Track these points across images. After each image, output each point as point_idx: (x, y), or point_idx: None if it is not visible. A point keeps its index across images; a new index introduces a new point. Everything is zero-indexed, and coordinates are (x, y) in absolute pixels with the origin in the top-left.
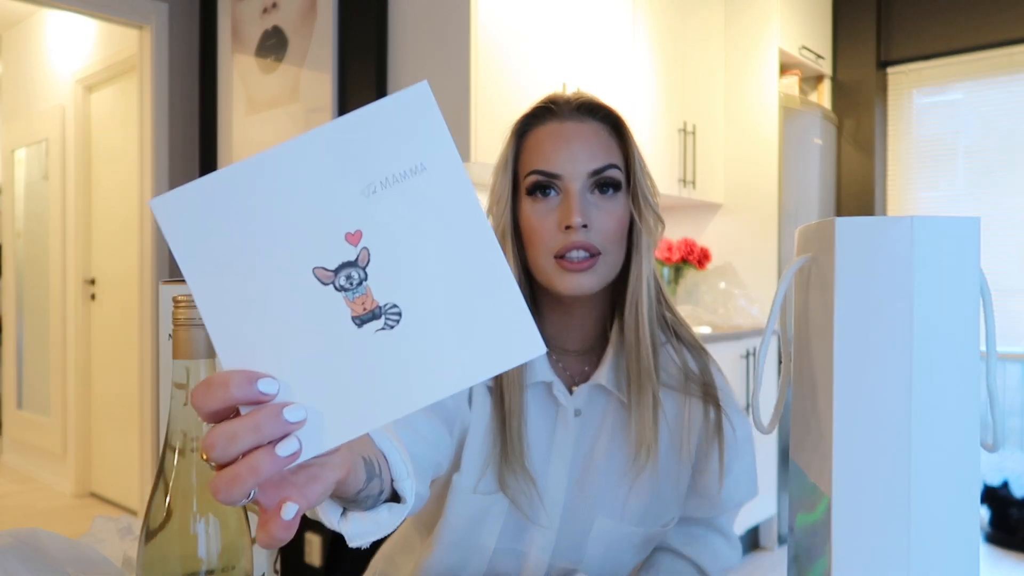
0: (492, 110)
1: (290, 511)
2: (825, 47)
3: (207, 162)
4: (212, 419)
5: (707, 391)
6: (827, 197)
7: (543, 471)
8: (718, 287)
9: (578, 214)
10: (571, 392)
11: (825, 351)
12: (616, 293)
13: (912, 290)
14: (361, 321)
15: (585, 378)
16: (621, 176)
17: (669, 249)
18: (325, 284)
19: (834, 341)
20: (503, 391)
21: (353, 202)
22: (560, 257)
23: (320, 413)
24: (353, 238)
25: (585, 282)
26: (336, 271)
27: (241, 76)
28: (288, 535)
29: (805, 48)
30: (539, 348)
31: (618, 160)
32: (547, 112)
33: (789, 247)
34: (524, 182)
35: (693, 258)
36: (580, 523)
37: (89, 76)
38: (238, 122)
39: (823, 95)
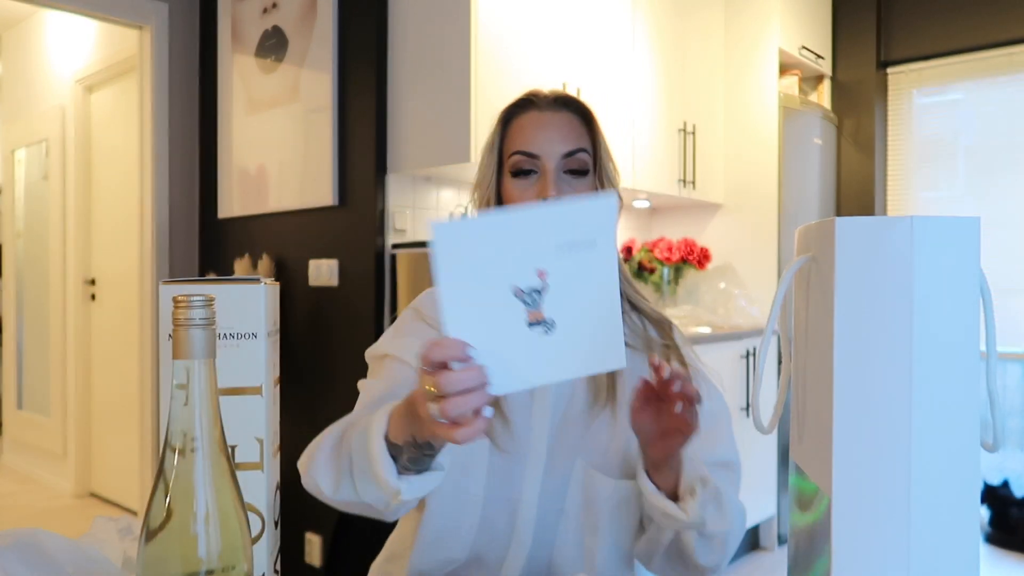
0: (492, 110)
1: (489, 411)
2: (825, 47)
3: (207, 162)
4: (432, 366)
5: (670, 352)
6: (827, 197)
7: (525, 414)
8: (718, 287)
9: (553, 188)
10: None
11: (825, 351)
12: None
13: (912, 290)
14: (531, 325)
15: None
16: (589, 160)
17: (669, 249)
18: (516, 298)
19: (834, 341)
20: None
21: (550, 252)
22: None
23: (500, 371)
24: (542, 273)
25: None
26: (526, 291)
27: (241, 76)
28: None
29: (805, 48)
30: (622, 364)
31: (587, 146)
32: (528, 103)
33: (789, 247)
34: (508, 161)
35: (693, 258)
36: (563, 466)
37: (89, 76)
38: (238, 122)
39: (823, 95)
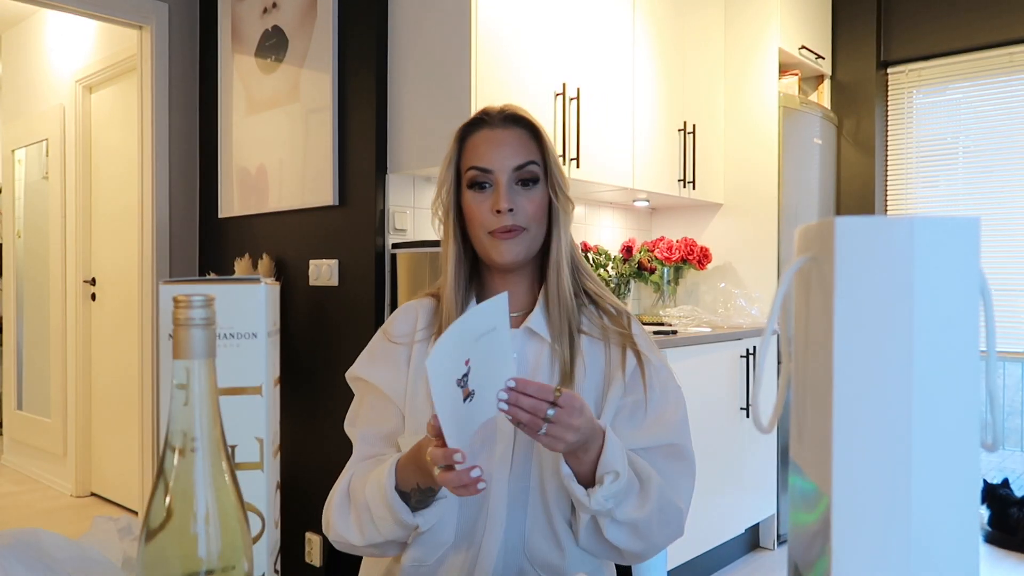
0: None
1: (477, 471)
2: (825, 47)
3: (207, 162)
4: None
5: (625, 340)
6: (827, 197)
7: (492, 401)
8: (718, 287)
9: (505, 200)
10: None
11: (825, 351)
12: (542, 266)
13: (912, 290)
14: (464, 399)
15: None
16: (540, 170)
17: (669, 249)
18: (456, 384)
19: (834, 341)
20: None
21: (472, 344)
22: (492, 233)
23: (457, 434)
24: (468, 362)
25: (514, 249)
26: (461, 377)
27: (241, 76)
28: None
29: (805, 48)
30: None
31: (536, 158)
32: (481, 122)
33: (789, 247)
34: (465, 176)
35: (693, 258)
36: (526, 444)
37: (89, 76)
38: (238, 122)
39: (823, 95)
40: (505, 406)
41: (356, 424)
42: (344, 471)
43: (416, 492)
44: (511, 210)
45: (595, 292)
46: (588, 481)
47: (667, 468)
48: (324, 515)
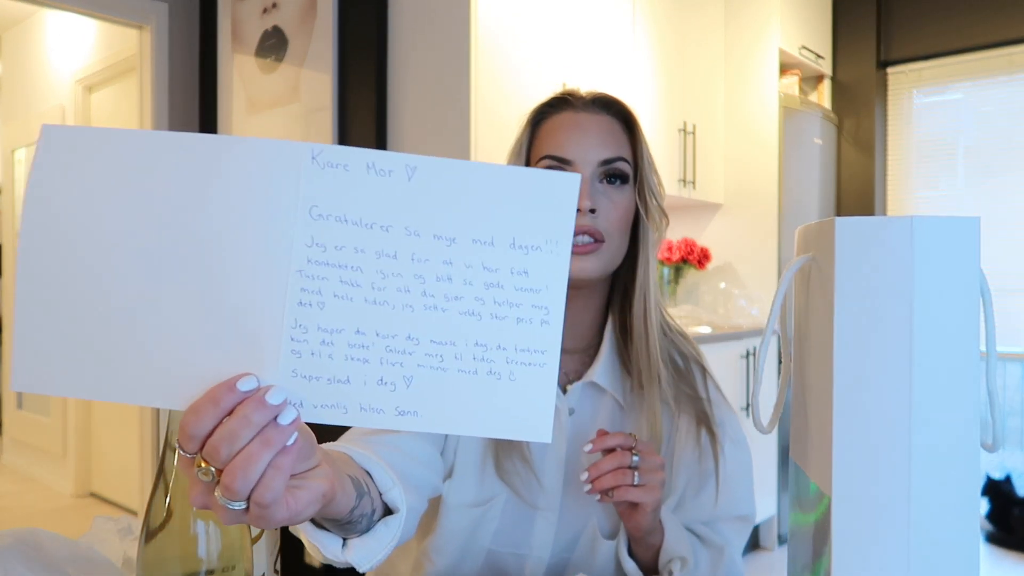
0: (492, 110)
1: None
2: (825, 47)
3: None
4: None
5: (700, 412)
6: (827, 197)
7: (540, 470)
8: (718, 287)
9: (587, 198)
10: (565, 391)
11: (825, 351)
12: (614, 290)
13: (912, 290)
14: None
15: (579, 377)
16: (629, 169)
17: (669, 249)
18: None
19: (834, 341)
20: None
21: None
22: None
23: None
24: None
25: (588, 266)
26: None
27: (241, 76)
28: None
29: (805, 48)
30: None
31: (627, 154)
32: (563, 103)
33: (789, 247)
34: (536, 167)
35: (693, 258)
36: (575, 524)
37: (89, 76)
38: (238, 122)
39: (823, 95)
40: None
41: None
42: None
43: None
44: (592, 211)
45: (676, 330)
46: (650, 570)
47: (733, 535)
48: None
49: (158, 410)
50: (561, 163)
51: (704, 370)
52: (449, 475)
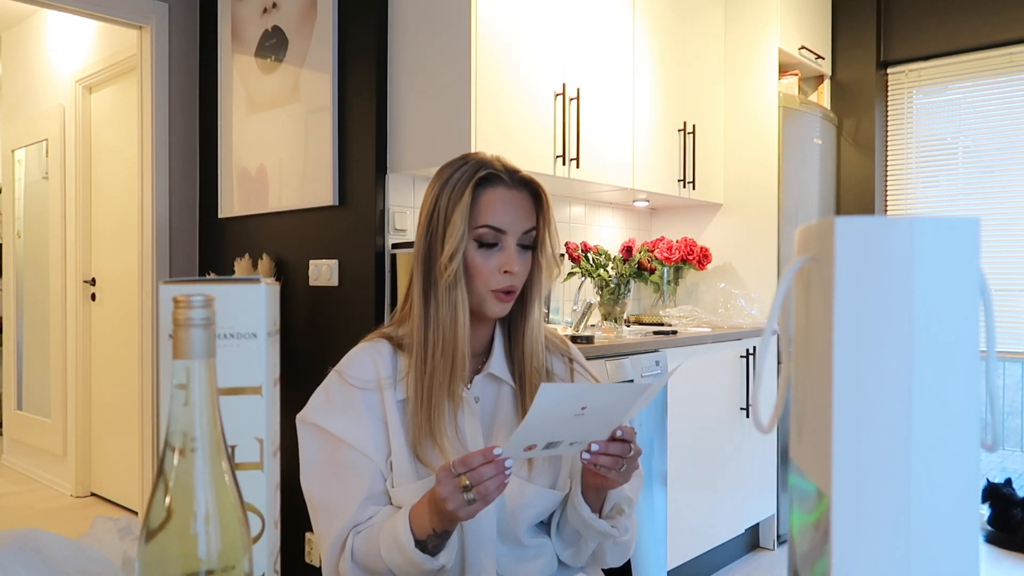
0: (492, 110)
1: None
2: (825, 47)
3: (207, 162)
4: (467, 467)
5: (572, 364)
6: (827, 197)
7: (459, 447)
8: (718, 287)
9: (516, 263)
10: (470, 384)
11: (825, 351)
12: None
13: (912, 290)
14: (548, 444)
15: (478, 371)
16: (535, 235)
17: (669, 249)
18: (557, 420)
19: (834, 341)
20: (422, 399)
21: (600, 398)
22: (493, 291)
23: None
24: (584, 408)
25: (507, 308)
26: (568, 415)
27: (241, 76)
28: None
29: (805, 48)
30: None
31: (535, 223)
32: (496, 178)
33: (789, 247)
34: (474, 231)
35: (693, 258)
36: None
37: (89, 76)
38: (238, 122)
39: (823, 95)
40: (588, 456)
41: (328, 487)
42: (332, 542)
43: (432, 537)
44: (516, 272)
45: (552, 339)
46: (595, 512)
47: (632, 487)
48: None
49: (158, 410)
50: (498, 232)
51: (572, 360)
52: (391, 485)
